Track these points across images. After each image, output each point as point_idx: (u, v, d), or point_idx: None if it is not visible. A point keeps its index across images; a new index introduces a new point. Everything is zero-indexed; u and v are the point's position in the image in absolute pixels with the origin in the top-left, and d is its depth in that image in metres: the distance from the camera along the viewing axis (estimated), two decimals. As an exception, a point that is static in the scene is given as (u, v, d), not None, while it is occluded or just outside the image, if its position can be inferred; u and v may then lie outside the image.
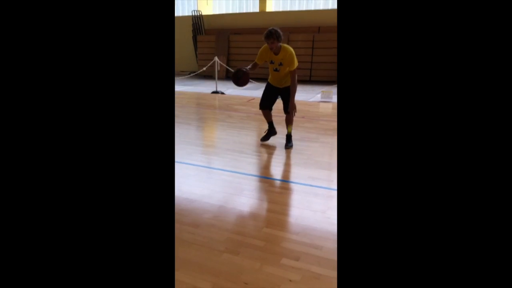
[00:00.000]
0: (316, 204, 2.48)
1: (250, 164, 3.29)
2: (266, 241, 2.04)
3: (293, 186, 2.81)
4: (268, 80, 3.74)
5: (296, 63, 3.49)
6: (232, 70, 3.78)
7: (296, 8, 10.19)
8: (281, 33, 3.37)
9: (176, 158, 3.48)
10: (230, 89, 7.61)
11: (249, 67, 3.59)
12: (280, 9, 10.35)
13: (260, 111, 3.87)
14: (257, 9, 10.43)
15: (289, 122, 3.75)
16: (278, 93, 3.71)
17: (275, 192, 2.79)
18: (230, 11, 11.12)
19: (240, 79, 3.48)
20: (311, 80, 9.28)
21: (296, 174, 3.04)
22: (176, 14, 11.92)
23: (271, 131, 3.91)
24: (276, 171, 3.17)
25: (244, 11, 10.87)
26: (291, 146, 3.73)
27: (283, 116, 3.78)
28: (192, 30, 10.82)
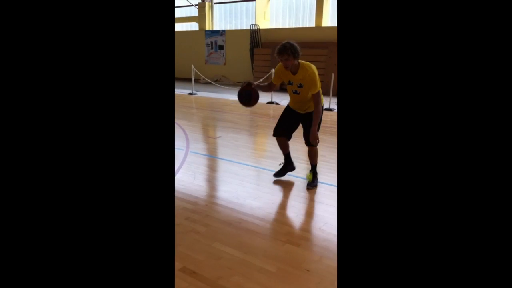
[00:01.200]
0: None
1: (305, 170, 3.48)
2: (324, 238, 2.22)
3: (348, 192, 2.95)
4: (288, 103, 3.04)
5: (319, 85, 2.71)
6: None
7: (352, 23, 10.28)
8: (298, 48, 2.60)
9: (237, 159, 3.78)
10: (284, 100, 7.88)
11: (265, 83, 3.06)
12: (336, 24, 10.52)
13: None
14: (313, 24, 10.68)
15: (313, 156, 3.02)
16: (299, 120, 2.97)
17: (330, 196, 2.95)
18: (287, 26, 11.49)
19: (246, 102, 2.93)
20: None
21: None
22: (235, 28, 12.58)
23: (288, 166, 3.19)
24: (329, 177, 3.33)
25: (300, 25, 11.18)
26: (315, 185, 3.02)
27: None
28: (250, 43, 11.35)
